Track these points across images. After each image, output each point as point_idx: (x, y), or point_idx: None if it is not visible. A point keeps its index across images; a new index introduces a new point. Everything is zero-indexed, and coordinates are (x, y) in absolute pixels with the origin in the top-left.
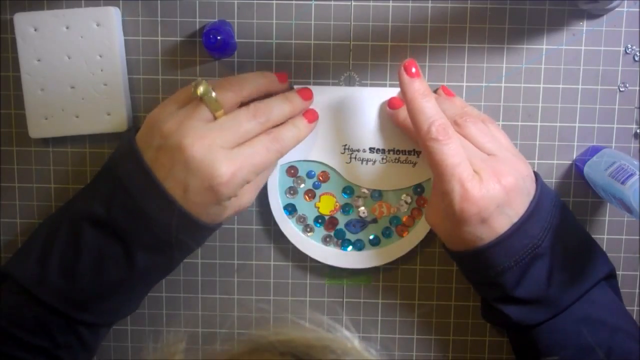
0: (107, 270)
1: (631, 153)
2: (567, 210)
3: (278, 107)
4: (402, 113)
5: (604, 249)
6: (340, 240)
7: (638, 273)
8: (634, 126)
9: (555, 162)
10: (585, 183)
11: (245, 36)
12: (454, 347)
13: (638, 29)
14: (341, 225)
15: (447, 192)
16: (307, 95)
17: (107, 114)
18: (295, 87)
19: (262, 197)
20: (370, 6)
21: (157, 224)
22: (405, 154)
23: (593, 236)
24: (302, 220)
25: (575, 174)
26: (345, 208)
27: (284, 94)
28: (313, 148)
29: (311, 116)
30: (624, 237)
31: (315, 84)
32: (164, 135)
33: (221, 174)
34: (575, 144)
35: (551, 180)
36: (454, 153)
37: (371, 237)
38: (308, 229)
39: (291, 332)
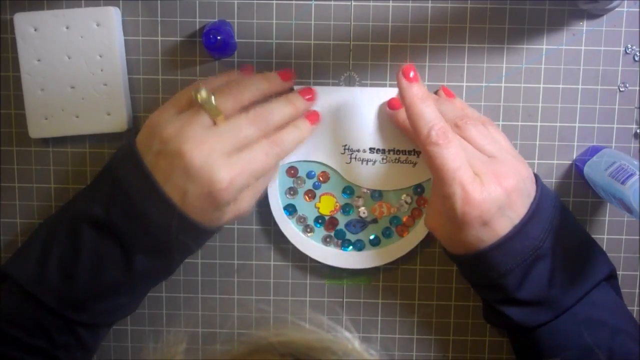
0: (106, 272)
1: (631, 153)
2: (567, 211)
3: (279, 111)
4: (402, 114)
5: (604, 249)
6: (341, 241)
7: (638, 273)
8: (634, 126)
9: (555, 162)
10: (585, 183)
11: (245, 36)
12: (454, 347)
13: (638, 29)
14: (341, 226)
15: (449, 195)
16: (310, 96)
17: (107, 114)
18: (297, 88)
19: (262, 197)
20: (370, 6)
21: (156, 227)
22: (405, 154)
23: (593, 236)
24: (302, 220)
25: (575, 174)
26: (346, 208)
27: (286, 96)
28: (313, 148)
29: (313, 118)
30: (624, 237)
31: (315, 84)
32: (163, 140)
33: (220, 180)
34: (575, 144)
35: (551, 180)
36: (454, 157)
37: (371, 237)
38: (308, 229)
39: (291, 333)
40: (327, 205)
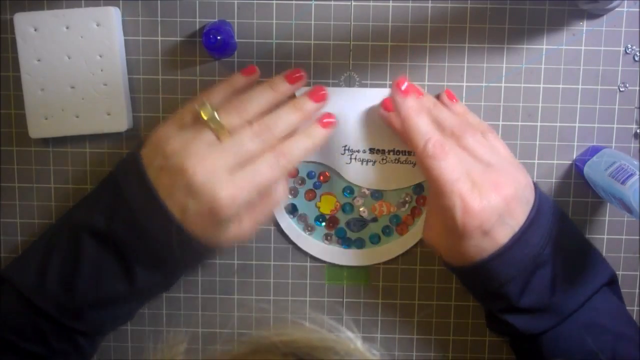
0: (106, 282)
1: (631, 153)
2: (566, 218)
3: (284, 120)
4: (395, 116)
5: (604, 249)
6: (341, 239)
7: (638, 273)
8: (634, 126)
9: (555, 162)
10: (585, 183)
11: (245, 36)
12: (454, 347)
13: (638, 29)
14: (342, 224)
15: (448, 207)
16: (320, 97)
17: (107, 114)
18: (305, 89)
19: (266, 221)
20: (370, 6)
21: (157, 242)
22: (405, 154)
23: (593, 236)
24: (303, 219)
25: (575, 174)
26: (346, 207)
27: (292, 102)
28: None
29: (326, 122)
30: (624, 237)
31: (315, 84)
32: (166, 156)
33: (221, 197)
34: (575, 144)
35: (551, 180)
36: (451, 169)
37: (372, 235)
38: (309, 228)
39: (294, 332)
40: (327, 204)
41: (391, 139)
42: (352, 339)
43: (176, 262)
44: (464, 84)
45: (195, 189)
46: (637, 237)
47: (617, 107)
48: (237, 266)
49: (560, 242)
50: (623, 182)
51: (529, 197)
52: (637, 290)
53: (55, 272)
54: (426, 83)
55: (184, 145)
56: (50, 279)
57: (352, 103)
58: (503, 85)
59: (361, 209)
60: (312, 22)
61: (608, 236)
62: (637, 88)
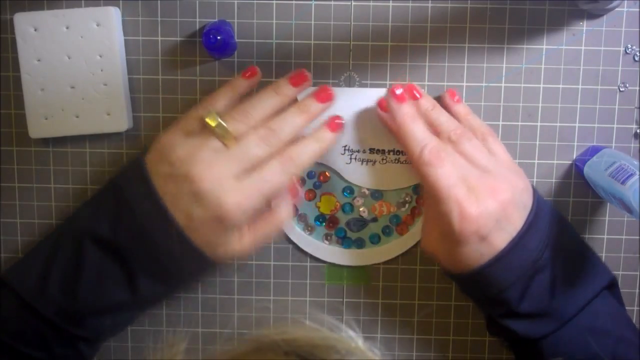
0: (108, 290)
1: (631, 153)
2: (565, 222)
3: (291, 123)
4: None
5: (604, 249)
6: (341, 239)
7: (638, 273)
8: (634, 126)
9: (555, 162)
10: (585, 183)
11: (245, 36)
12: (454, 347)
13: (638, 29)
14: (342, 224)
15: (445, 213)
16: (326, 98)
17: (107, 114)
18: (311, 89)
19: (269, 240)
20: (370, 6)
21: (161, 250)
22: (405, 154)
23: (593, 236)
24: (302, 219)
25: (575, 174)
26: (346, 207)
27: (298, 105)
28: None
29: (335, 125)
30: (624, 237)
31: (315, 84)
32: (173, 163)
33: (227, 203)
34: (575, 144)
35: (551, 180)
36: (447, 175)
37: (372, 235)
38: (309, 228)
39: (295, 331)
40: (327, 204)
41: (391, 139)
42: (353, 337)
43: (178, 272)
44: (464, 84)
45: (202, 196)
46: (637, 237)
47: (617, 107)
48: (237, 266)
49: (559, 246)
50: (623, 182)
51: (527, 201)
52: (637, 290)
53: (57, 278)
54: (426, 83)
55: (190, 152)
56: (52, 285)
57: (352, 103)
58: (503, 85)
59: (361, 209)
60: (312, 22)
61: (608, 236)
62: (637, 88)
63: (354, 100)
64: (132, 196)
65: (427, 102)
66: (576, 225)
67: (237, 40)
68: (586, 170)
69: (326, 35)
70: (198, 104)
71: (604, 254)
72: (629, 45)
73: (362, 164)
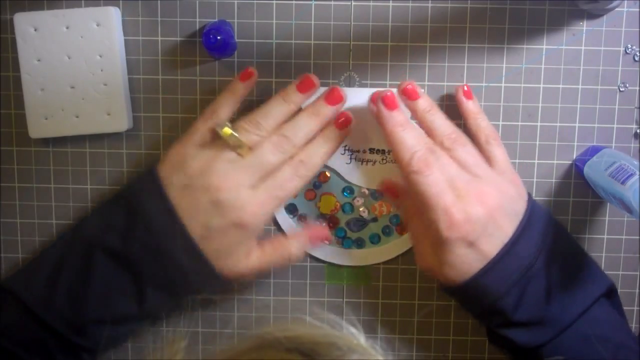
0: (116, 301)
1: (631, 153)
2: (561, 229)
3: (303, 128)
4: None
5: (604, 249)
6: (341, 239)
7: (638, 273)
8: (634, 126)
9: (555, 162)
10: (585, 183)
11: (245, 36)
12: (454, 347)
13: (638, 29)
14: (342, 224)
15: (433, 220)
16: (336, 99)
17: (107, 114)
18: (322, 89)
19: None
20: (370, 6)
21: (173, 263)
22: None
23: (593, 236)
24: (303, 219)
25: (575, 174)
26: (346, 207)
27: (310, 109)
28: None
29: (343, 123)
30: (624, 237)
31: None
32: (189, 175)
33: (245, 211)
34: (575, 144)
35: (551, 180)
36: (435, 182)
37: (372, 235)
38: None
39: (297, 328)
40: (327, 204)
41: None
42: (355, 335)
43: (186, 284)
44: (464, 84)
45: (221, 205)
46: (637, 237)
47: (617, 107)
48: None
49: (554, 253)
50: (623, 182)
51: (518, 209)
52: (637, 290)
53: (64, 288)
54: (426, 83)
55: (206, 163)
56: (59, 295)
57: (352, 103)
58: (503, 85)
59: (361, 209)
60: (312, 22)
61: (608, 236)
62: (637, 88)
63: (354, 100)
64: (146, 208)
65: (425, 103)
66: (576, 225)
67: (237, 40)
68: (586, 170)
69: (326, 35)
70: (202, 114)
71: (604, 254)
72: (629, 45)
73: (362, 164)
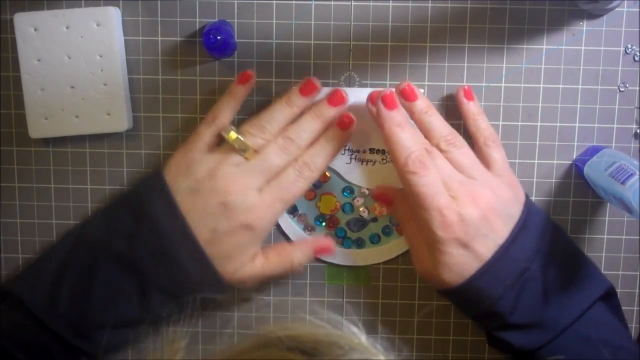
0: (120, 306)
1: (631, 153)
2: (559, 231)
3: (307, 130)
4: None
5: (604, 249)
6: (341, 239)
7: (638, 273)
8: (634, 126)
9: (555, 162)
10: (585, 183)
11: (245, 36)
12: (454, 347)
13: (638, 29)
14: (342, 224)
15: (427, 221)
16: (339, 101)
17: (107, 114)
18: (325, 89)
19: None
20: (370, 6)
21: (178, 267)
22: None
23: (593, 236)
24: (303, 219)
25: (575, 174)
26: (346, 207)
27: (313, 111)
28: None
29: (345, 123)
30: (624, 237)
31: None
32: (197, 180)
33: (253, 213)
34: (575, 144)
35: (551, 180)
36: (430, 184)
37: (372, 235)
38: (309, 228)
39: (298, 327)
40: (327, 204)
41: None
42: (356, 334)
43: (191, 289)
44: (464, 84)
45: (229, 207)
46: (637, 237)
47: (617, 107)
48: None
49: (552, 256)
50: (623, 182)
51: (514, 211)
52: (637, 290)
53: (68, 292)
54: (426, 83)
55: (213, 167)
56: (62, 299)
57: (352, 103)
58: (503, 85)
59: (361, 209)
60: (312, 22)
61: (608, 236)
62: (637, 88)
63: (354, 100)
64: (152, 211)
65: (423, 104)
66: (576, 225)
67: (237, 40)
68: (586, 170)
69: (326, 35)
70: (204, 119)
71: (603, 254)
72: (629, 45)
73: (362, 164)
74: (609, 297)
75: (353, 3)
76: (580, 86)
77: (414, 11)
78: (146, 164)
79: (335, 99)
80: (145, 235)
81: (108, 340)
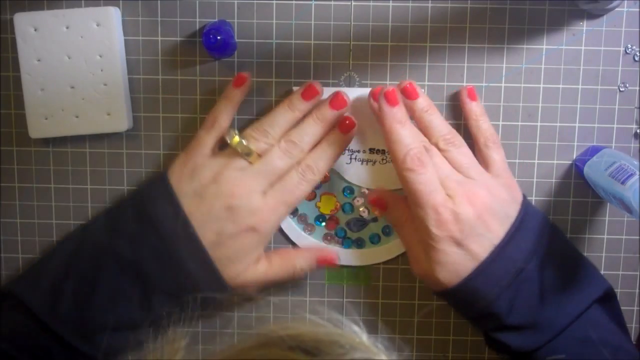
0: (122, 308)
1: (631, 153)
2: (558, 232)
3: (310, 133)
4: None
5: (604, 249)
6: (341, 239)
7: (638, 273)
8: (634, 126)
9: (555, 162)
10: (585, 183)
11: (245, 36)
12: (454, 347)
13: (638, 29)
14: (342, 224)
15: (422, 218)
16: (340, 104)
17: (107, 114)
18: (326, 90)
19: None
20: (370, 6)
21: (181, 270)
22: None
23: (593, 236)
24: (303, 219)
25: (575, 174)
26: (346, 207)
27: (315, 115)
28: None
29: (346, 126)
30: (624, 237)
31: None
32: (201, 184)
33: (258, 216)
34: (575, 144)
35: (551, 180)
36: (427, 181)
37: (372, 235)
38: (309, 228)
39: (300, 326)
40: (327, 204)
41: None
42: (357, 333)
43: (193, 292)
44: (464, 84)
45: (234, 210)
46: (637, 237)
47: (617, 107)
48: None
49: (549, 257)
50: (623, 182)
51: (510, 212)
52: (637, 290)
53: (71, 294)
54: (426, 83)
55: (218, 172)
56: (64, 301)
57: (352, 103)
58: (503, 85)
59: (361, 209)
60: (312, 22)
61: (608, 236)
62: (637, 88)
63: (354, 100)
64: (157, 214)
65: (424, 103)
66: (576, 225)
67: (237, 40)
68: (586, 170)
69: (326, 35)
70: (203, 124)
71: (603, 254)
72: (629, 45)
73: (362, 164)
74: (608, 298)
75: (353, 3)
76: (580, 86)
77: (414, 11)
78: (146, 164)
79: (336, 102)
80: (148, 238)
81: (109, 342)
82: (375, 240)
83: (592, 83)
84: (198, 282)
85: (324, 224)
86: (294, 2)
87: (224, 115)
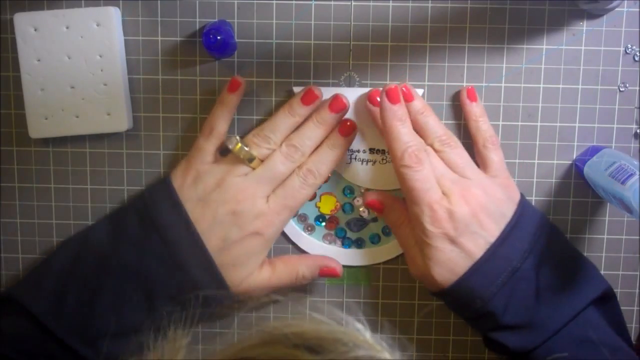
0: (125, 313)
1: (631, 153)
2: (556, 232)
3: (310, 137)
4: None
5: (604, 249)
6: (341, 239)
7: (638, 273)
8: (634, 126)
9: (555, 162)
10: (585, 183)
11: (245, 36)
12: (454, 347)
13: (638, 29)
14: (342, 224)
15: (417, 215)
16: (340, 107)
17: (107, 114)
18: (325, 90)
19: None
20: (370, 6)
21: (185, 275)
22: None
23: (593, 236)
24: (303, 219)
25: (575, 174)
26: (346, 207)
27: (315, 118)
28: None
29: (347, 129)
30: (624, 237)
31: (315, 84)
32: (205, 191)
33: (262, 220)
34: (575, 144)
35: (551, 180)
36: (424, 179)
37: (372, 235)
38: (309, 228)
39: (303, 324)
40: (327, 204)
41: None
42: (360, 330)
43: (196, 297)
44: (464, 84)
45: (239, 216)
46: (637, 237)
47: (617, 107)
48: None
49: (546, 257)
50: (623, 182)
51: (506, 211)
52: (637, 290)
53: (74, 299)
54: (426, 83)
55: (221, 178)
56: (68, 306)
57: (352, 103)
58: (503, 85)
59: (361, 209)
60: (312, 22)
61: (608, 236)
62: (637, 88)
63: (354, 100)
64: (162, 220)
65: (419, 105)
66: (576, 225)
67: (237, 40)
68: (586, 170)
69: (326, 35)
70: (201, 132)
71: (603, 254)
72: (629, 45)
73: (362, 164)
74: (607, 299)
75: (353, 3)
76: (580, 86)
77: (414, 11)
78: (146, 164)
79: (336, 105)
80: (153, 243)
81: (111, 347)
82: (375, 240)
83: (592, 83)
84: (201, 287)
85: (324, 223)
86: (294, 2)
87: (221, 121)
